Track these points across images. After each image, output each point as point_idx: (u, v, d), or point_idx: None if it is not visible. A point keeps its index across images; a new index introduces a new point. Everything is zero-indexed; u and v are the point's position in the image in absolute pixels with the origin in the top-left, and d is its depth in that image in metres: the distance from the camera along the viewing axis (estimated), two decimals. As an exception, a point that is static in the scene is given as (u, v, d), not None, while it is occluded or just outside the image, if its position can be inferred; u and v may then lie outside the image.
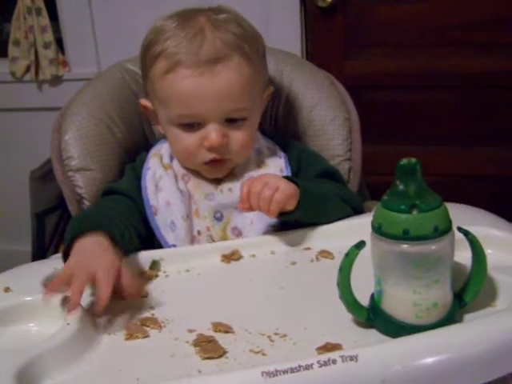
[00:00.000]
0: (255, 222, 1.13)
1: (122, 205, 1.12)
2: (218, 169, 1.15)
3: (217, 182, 1.17)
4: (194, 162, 1.14)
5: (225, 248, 1.07)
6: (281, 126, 1.33)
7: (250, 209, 1.05)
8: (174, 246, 1.12)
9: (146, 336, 0.86)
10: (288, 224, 1.13)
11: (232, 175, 1.17)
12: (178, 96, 1.09)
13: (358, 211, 1.16)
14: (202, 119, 1.09)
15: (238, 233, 1.14)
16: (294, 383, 0.69)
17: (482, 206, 1.11)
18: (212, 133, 1.09)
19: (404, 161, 0.78)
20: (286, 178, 1.07)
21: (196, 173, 1.17)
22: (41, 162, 1.63)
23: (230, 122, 1.11)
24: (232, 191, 1.15)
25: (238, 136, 1.11)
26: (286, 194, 1.02)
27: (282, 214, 1.05)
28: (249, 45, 1.11)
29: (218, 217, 1.14)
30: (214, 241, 1.14)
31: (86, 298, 0.93)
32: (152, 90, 1.15)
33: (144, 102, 1.21)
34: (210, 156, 1.11)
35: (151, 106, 1.19)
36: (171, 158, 1.19)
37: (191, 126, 1.11)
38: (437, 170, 2.01)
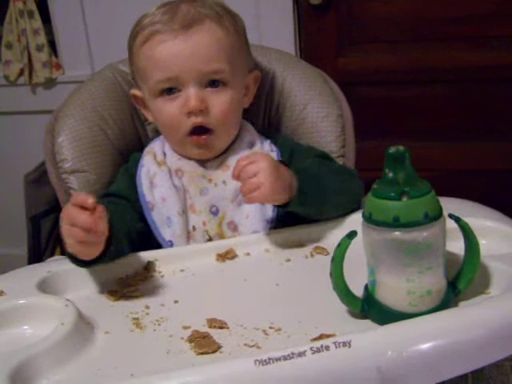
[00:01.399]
0: (251, 216, 1.13)
1: (113, 205, 1.10)
2: (203, 142, 1.14)
3: (210, 174, 1.17)
4: (178, 133, 1.14)
5: (219, 247, 1.07)
6: (274, 123, 1.33)
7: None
8: (171, 241, 1.12)
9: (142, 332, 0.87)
10: (284, 218, 1.13)
11: (225, 167, 1.17)
12: (155, 61, 1.12)
13: (358, 196, 1.16)
14: (179, 82, 1.11)
15: (234, 227, 1.14)
16: (288, 371, 0.69)
17: (476, 200, 1.11)
18: (190, 96, 1.11)
19: (392, 149, 0.78)
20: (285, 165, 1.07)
21: (188, 165, 1.17)
22: (36, 164, 1.63)
23: (210, 85, 1.12)
24: (226, 184, 1.15)
25: (217, 101, 1.12)
26: (264, 194, 1.00)
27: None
28: (224, 16, 1.14)
29: (214, 211, 1.14)
30: (209, 236, 1.14)
31: (79, 298, 0.93)
32: (135, 70, 1.18)
33: (133, 91, 1.23)
34: (191, 122, 1.12)
35: (140, 94, 1.21)
36: (164, 155, 1.20)
37: (171, 92, 1.12)
38: (431, 165, 2.02)
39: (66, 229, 0.91)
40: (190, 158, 1.18)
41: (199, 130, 1.13)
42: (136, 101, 1.24)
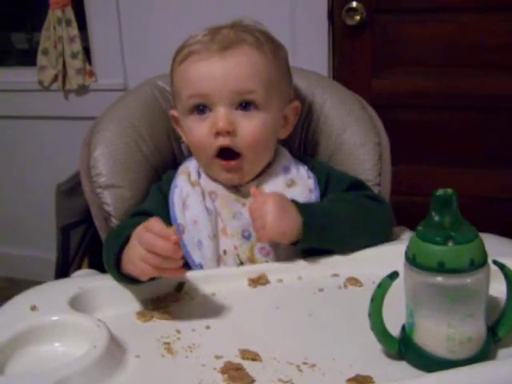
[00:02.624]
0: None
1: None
2: (232, 166, 1.13)
3: (244, 198, 1.16)
4: (205, 154, 1.13)
5: (251, 272, 1.06)
6: (310, 148, 1.32)
7: None
8: (201, 264, 1.11)
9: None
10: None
11: None
12: (188, 79, 1.13)
13: (383, 230, 1.15)
14: (210, 101, 1.11)
15: (267, 253, 1.13)
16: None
17: (505, 228, 1.10)
18: (218, 117, 1.10)
19: (440, 192, 0.77)
20: (296, 204, 1.06)
21: (222, 189, 1.16)
22: (66, 170, 1.63)
23: (242, 108, 1.11)
24: None
25: (247, 125, 1.11)
26: (268, 233, 1.04)
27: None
28: (265, 43, 1.13)
29: (246, 236, 1.13)
30: (240, 260, 1.13)
31: (110, 317, 0.93)
32: (173, 89, 1.20)
33: (172, 112, 1.23)
34: (218, 143, 1.11)
35: (177, 114, 1.20)
36: (199, 175, 1.19)
37: (202, 111, 1.12)
38: (461, 191, 1.99)
39: (141, 253, 0.92)
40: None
41: (227, 154, 1.12)
42: (174, 121, 1.23)
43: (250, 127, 1.11)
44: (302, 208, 1.06)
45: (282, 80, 1.17)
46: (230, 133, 1.10)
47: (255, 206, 1.06)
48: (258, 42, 1.13)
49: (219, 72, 1.10)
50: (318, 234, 1.06)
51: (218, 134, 1.10)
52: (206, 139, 1.12)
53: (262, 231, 1.04)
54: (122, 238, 0.99)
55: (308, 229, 1.04)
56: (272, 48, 1.15)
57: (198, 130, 1.13)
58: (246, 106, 1.11)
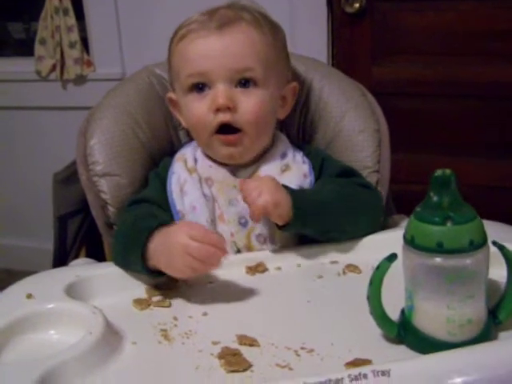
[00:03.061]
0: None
1: (151, 210, 1.11)
2: (232, 140, 1.12)
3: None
4: (205, 132, 1.12)
5: (249, 260, 1.05)
6: (309, 135, 1.30)
7: None
8: None
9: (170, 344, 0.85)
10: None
11: (256, 177, 1.14)
12: (187, 58, 1.12)
13: (377, 213, 1.14)
14: (209, 79, 1.10)
15: (263, 240, 1.12)
16: (325, 399, 0.67)
17: (505, 218, 1.09)
18: (218, 93, 1.09)
19: (439, 172, 0.76)
20: (286, 187, 1.05)
21: (219, 174, 1.16)
22: (64, 160, 1.63)
23: (241, 85, 1.11)
24: None
25: (247, 102, 1.10)
26: (262, 202, 1.00)
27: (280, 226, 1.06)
28: (263, 23, 1.13)
29: (243, 222, 1.12)
30: (237, 247, 1.12)
31: (107, 305, 0.92)
32: (171, 69, 1.19)
33: (169, 94, 1.22)
34: (218, 119, 1.10)
35: (174, 96, 1.20)
36: (196, 161, 1.18)
37: (201, 90, 1.11)
38: (463, 180, 1.98)
39: (190, 263, 0.92)
40: (220, 165, 1.16)
41: (227, 130, 1.11)
42: (171, 104, 1.23)
43: (249, 104, 1.10)
44: (291, 191, 1.05)
45: (279, 61, 1.16)
46: (230, 109, 1.09)
47: (251, 182, 1.05)
48: (256, 20, 1.12)
49: (217, 49, 1.09)
50: (307, 216, 1.04)
51: (218, 110, 1.09)
52: (206, 116, 1.11)
53: (258, 199, 1.01)
54: (144, 234, 0.98)
55: (297, 209, 1.03)
56: (270, 28, 1.14)
57: (198, 108, 1.12)
58: (245, 83, 1.11)
